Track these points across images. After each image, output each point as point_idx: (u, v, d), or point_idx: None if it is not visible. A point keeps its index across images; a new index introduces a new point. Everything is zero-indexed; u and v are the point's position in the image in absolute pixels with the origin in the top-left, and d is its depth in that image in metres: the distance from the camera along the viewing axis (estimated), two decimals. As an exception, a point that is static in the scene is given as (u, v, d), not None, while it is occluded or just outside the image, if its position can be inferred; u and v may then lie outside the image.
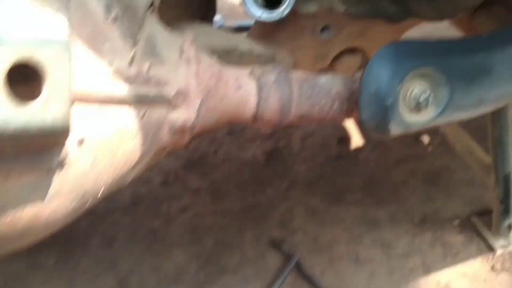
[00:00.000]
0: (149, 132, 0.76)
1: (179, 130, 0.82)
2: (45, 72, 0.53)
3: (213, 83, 0.85)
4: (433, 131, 1.81)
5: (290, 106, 0.91)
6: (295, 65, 1.15)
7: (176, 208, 1.68)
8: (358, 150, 1.82)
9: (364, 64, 1.14)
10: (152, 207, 1.68)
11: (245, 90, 0.89)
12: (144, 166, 0.87)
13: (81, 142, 0.64)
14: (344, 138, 1.85)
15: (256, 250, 1.58)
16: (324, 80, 0.95)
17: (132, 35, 0.72)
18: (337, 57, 1.23)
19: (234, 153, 1.82)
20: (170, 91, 0.78)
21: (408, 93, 0.95)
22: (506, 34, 1.04)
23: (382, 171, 1.75)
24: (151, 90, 0.75)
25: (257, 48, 1.08)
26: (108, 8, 0.69)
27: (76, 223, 1.64)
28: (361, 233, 1.61)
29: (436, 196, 1.69)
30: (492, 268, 1.53)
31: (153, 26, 0.81)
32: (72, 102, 0.58)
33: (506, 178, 1.47)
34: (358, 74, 0.97)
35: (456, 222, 1.63)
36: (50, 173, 0.62)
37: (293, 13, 1.03)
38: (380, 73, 0.93)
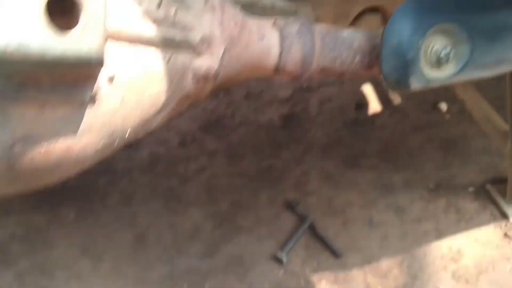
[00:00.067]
0: (174, 77, 0.78)
1: (203, 78, 0.84)
2: (82, 3, 0.55)
3: (236, 32, 0.86)
4: (451, 99, 1.80)
5: (312, 58, 0.92)
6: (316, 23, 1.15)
7: (193, 168, 1.71)
8: (375, 115, 1.82)
9: (384, 23, 1.14)
10: (170, 167, 1.71)
11: (267, 40, 0.90)
12: (167, 115, 0.89)
13: (111, 79, 0.66)
14: (362, 104, 1.86)
15: (271, 211, 1.60)
16: (347, 33, 0.95)
17: (160, -20, 0.74)
18: (358, 17, 1.23)
19: (251, 116, 1.83)
20: (195, 36, 0.79)
21: (429, 49, 0.95)
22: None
23: (398, 137, 1.76)
24: (177, 34, 0.76)
25: (280, 2, 1.08)
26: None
27: (95, 180, 1.69)
28: (375, 197, 1.63)
29: (452, 163, 1.70)
30: (505, 235, 1.54)
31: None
32: (106, 37, 0.60)
33: (523, 145, 1.47)
34: (380, 30, 0.98)
35: (471, 189, 1.64)
36: (82, 107, 0.64)
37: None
38: (402, 28, 0.93)
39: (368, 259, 1.50)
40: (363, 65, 0.96)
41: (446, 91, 1.81)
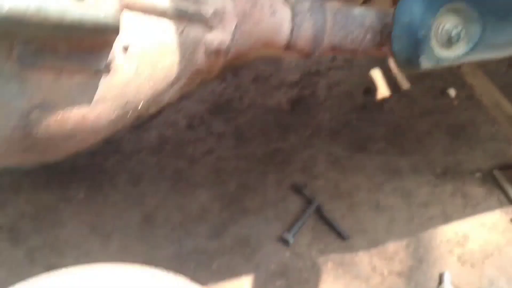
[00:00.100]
0: (186, 50, 0.79)
1: (214, 52, 0.85)
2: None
3: (248, 7, 0.87)
4: (460, 85, 1.80)
5: (323, 35, 0.92)
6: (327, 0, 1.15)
7: (201, 150, 1.72)
8: (384, 100, 1.82)
9: (395, 2, 1.14)
10: (178, 148, 1.72)
11: (279, 16, 0.91)
12: (179, 90, 0.90)
13: (126, 48, 0.67)
14: (370, 88, 1.86)
15: (277, 193, 1.61)
16: (358, 11, 0.95)
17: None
18: (369, -4, 1.23)
19: (259, 99, 1.84)
20: (208, 10, 0.80)
21: (440, 28, 0.96)
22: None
23: (406, 122, 1.76)
24: (190, 6, 0.77)
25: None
26: None
27: (104, 160, 1.71)
28: (383, 182, 1.63)
29: (460, 148, 1.70)
30: (511, 220, 1.55)
31: None
32: (122, 5, 0.61)
33: (531, 131, 1.47)
34: (392, 9, 0.98)
35: (478, 174, 1.64)
36: (97, 76, 0.65)
37: None
38: (414, 7, 0.93)
39: (374, 242, 1.51)
40: (374, 43, 0.96)
41: (454, 77, 1.81)
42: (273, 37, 0.92)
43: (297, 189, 1.62)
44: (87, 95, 0.66)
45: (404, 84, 1.84)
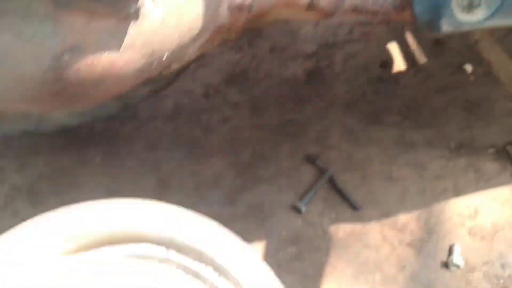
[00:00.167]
0: (211, 2, 0.80)
1: (237, 8, 0.85)
2: None
3: (272, -36, 0.87)
4: (477, 61, 1.79)
5: (345, -5, 0.93)
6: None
7: (216, 119, 1.74)
8: (400, 74, 1.82)
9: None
10: (193, 117, 1.74)
11: (302, -25, 0.91)
12: (201, 47, 0.91)
13: (154, -5, 0.68)
14: (387, 62, 1.85)
15: (291, 163, 1.63)
16: (380, -27, 0.96)
17: None
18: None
19: (275, 70, 1.84)
20: (233, -35, 0.81)
21: (462, -9, 0.95)
22: None
23: (422, 97, 1.76)
24: (216, -40, 0.78)
25: None
26: None
27: (120, 126, 1.73)
28: (396, 154, 1.64)
29: (474, 124, 1.70)
30: (523, 196, 1.55)
31: None
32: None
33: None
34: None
35: (491, 150, 1.64)
36: (127, 20, 0.66)
37: None
38: (436, -31, 0.93)
39: (385, 213, 1.52)
40: (395, 7, 0.96)
41: (472, 53, 1.80)
42: (295, -4, 0.92)
43: (311, 160, 1.63)
44: (117, 40, 0.67)
45: (421, 58, 1.83)
